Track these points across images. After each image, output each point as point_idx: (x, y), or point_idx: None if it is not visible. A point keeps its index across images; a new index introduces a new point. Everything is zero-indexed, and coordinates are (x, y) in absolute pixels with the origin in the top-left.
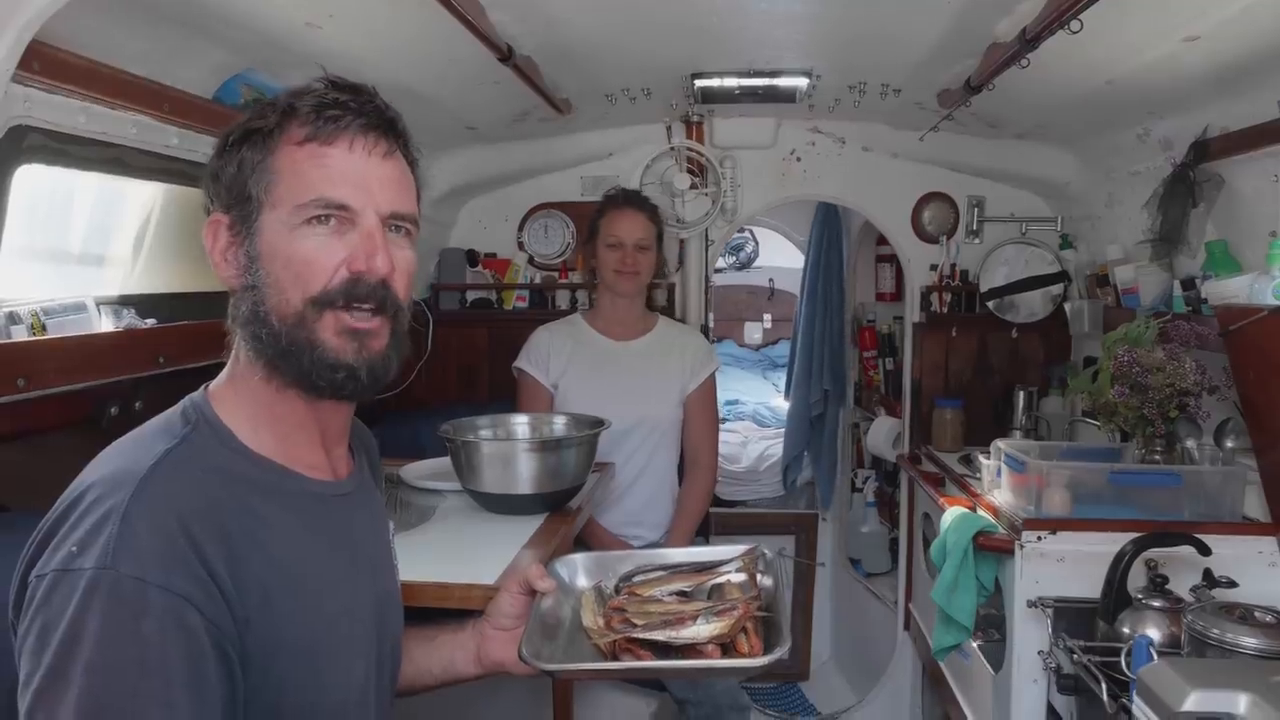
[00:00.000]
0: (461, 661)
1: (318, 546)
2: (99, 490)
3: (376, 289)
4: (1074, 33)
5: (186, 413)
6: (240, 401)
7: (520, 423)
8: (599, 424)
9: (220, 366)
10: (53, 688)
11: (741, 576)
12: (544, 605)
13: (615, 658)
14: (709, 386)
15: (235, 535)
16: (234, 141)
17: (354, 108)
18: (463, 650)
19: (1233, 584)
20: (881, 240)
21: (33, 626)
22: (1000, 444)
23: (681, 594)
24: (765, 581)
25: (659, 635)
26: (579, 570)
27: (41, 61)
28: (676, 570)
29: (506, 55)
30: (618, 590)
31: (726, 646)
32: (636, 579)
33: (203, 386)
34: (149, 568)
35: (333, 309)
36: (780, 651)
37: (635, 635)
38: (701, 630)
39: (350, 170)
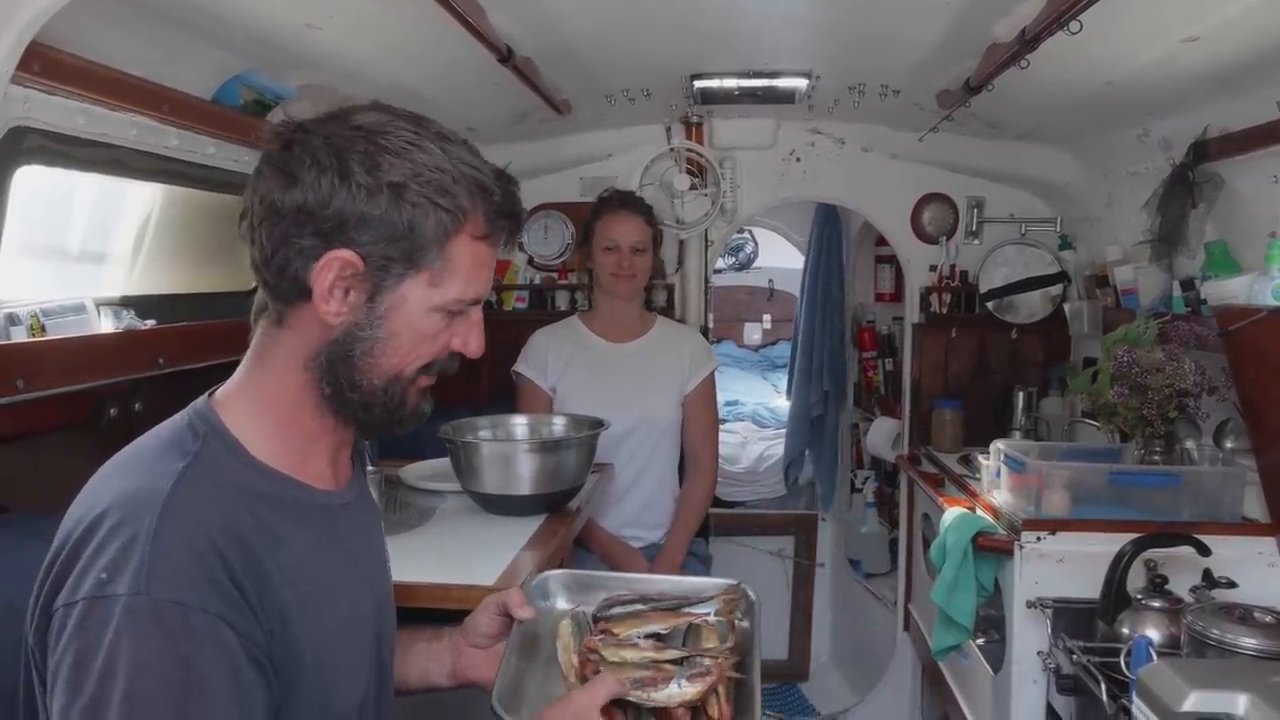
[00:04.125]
0: (436, 673)
1: (326, 558)
2: (120, 513)
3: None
4: (1073, 33)
5: (194, 425)
6: (254, 409)
7: (519, 424)
8: (598, 425)
9: (223, 367)
10: (96, 718)
11: (718, 619)
12: (521, 630)
13: None
14: (708, 386)
15: (256, 550)
16: (413, 203)
17: (516, 212)
18: (438, 663)
19: (1232, 584)
20: (881, 241)
21: (66, 656)
22: (1000, 444)
23: (657, 636)
24: (744, 624)
25: (632, 697)
26: (560, 591)
27: (41, 63)
28: (655, 607)
29: (506, 56)
30: (595, 620)
31: (696, 708)
32: (615, 611)
33: (207, 394)
34: (184, 590)
35: (426, 373)
36: None
37: None
38: (674, 694)
39: (493, 266)
